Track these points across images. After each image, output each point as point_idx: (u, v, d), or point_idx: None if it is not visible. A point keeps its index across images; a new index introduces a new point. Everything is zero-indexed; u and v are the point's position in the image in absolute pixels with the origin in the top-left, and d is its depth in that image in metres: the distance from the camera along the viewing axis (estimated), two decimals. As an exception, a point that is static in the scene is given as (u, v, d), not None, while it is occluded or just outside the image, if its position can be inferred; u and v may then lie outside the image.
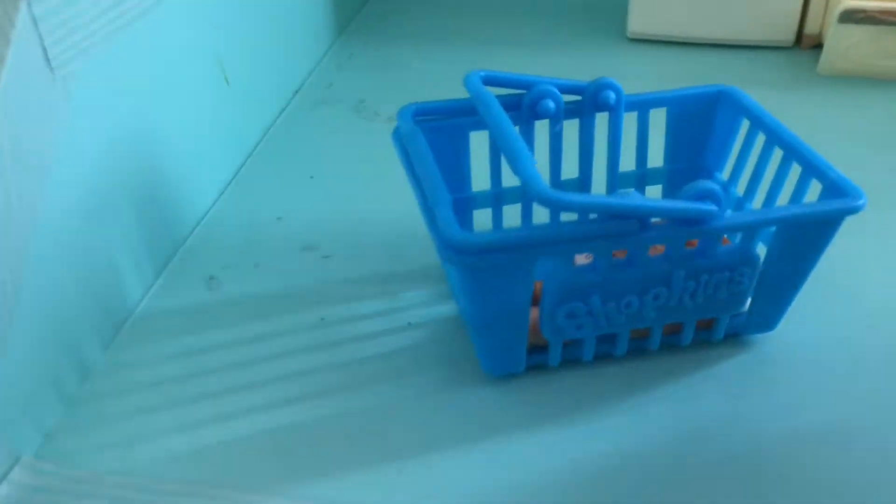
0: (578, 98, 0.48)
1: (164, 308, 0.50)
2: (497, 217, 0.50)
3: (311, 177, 0.63)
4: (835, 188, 0.41)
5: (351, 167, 0.64)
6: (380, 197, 0.60)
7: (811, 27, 0.82)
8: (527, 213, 0.50)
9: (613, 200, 0.38)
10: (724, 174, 0.51)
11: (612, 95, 0.48)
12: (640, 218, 0.38)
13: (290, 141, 0.69)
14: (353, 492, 0.39)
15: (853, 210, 0.40)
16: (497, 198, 0.50)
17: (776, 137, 0.46)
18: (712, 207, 0.38)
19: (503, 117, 0.41)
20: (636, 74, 0.81)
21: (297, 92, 0.76)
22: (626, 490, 0.39)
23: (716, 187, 0.38)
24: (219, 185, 0.61)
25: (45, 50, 0.40)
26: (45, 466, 0.40)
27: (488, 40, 0.88)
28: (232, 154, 0.64)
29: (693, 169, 0.51)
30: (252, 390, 0.44)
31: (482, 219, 0.50)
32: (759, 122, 0.47)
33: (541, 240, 0.38)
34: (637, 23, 0.85)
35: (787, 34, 0.83)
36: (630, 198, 0.38)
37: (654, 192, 0.53)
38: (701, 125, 0.50)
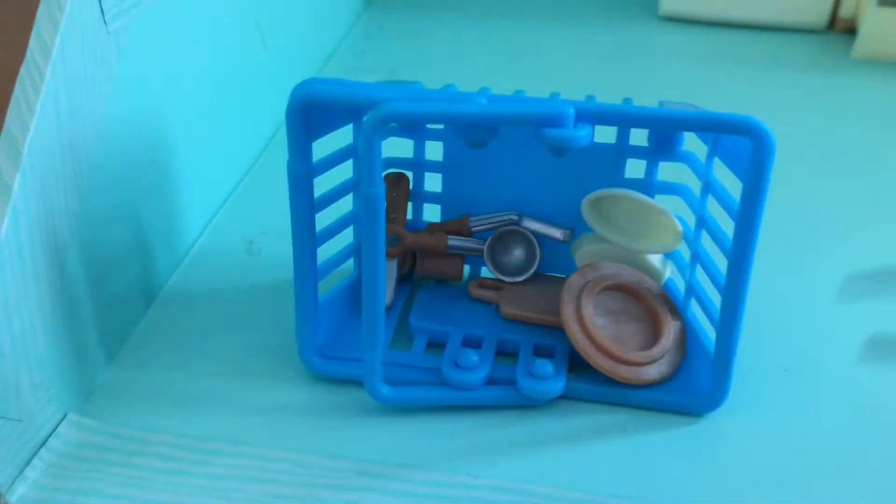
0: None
1: (205, 268, 0.50)
2: None
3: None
4: None
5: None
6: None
7: (845, 10, 0.82)
8: None
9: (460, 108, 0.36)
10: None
11: None
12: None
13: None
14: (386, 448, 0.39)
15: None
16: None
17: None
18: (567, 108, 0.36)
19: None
20: (668, 54, 0.81)
21: (328, 60, 0.76)
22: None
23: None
24: (257, 148, 0.61)
25: (100, 2, 0.40)
26: (92, 423, 0.40)
27: (518, 15, 0.87)
28: (269, 118, 0.63)
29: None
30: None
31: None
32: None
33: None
34: (670, 2, 0.85)
35: (820, 17, 0.82)
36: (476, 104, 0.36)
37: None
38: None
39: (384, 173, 0.48)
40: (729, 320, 0.39)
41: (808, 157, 0.63)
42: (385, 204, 0.37)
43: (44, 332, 0.37)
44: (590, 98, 0.42)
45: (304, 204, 0.39)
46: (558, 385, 0.40)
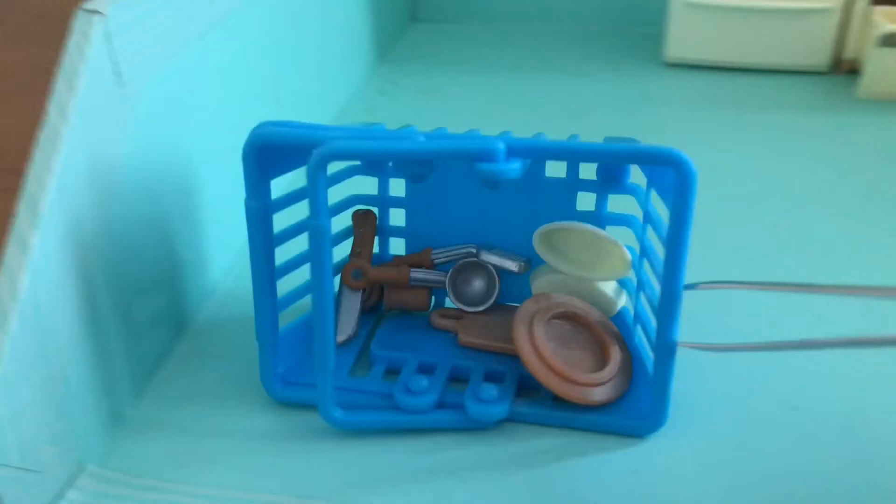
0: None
1: (217, 326, 0.52)
2: None
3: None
4: None
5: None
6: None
7: (848, 51, 0.83)
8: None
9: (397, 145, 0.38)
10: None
11: None
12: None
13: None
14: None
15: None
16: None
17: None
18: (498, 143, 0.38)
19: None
20: (674, 99, 0.82)
21: (340, 116, 0.78)
22: None
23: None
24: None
25: (117, 66, 0.42)
26: (110, 475, 0.41)
27: (528, 67, 0.89)
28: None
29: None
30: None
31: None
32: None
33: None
34: (675, 48, 0.87)
35: (824, 58, 0.83)
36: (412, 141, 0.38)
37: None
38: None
39: (353, 210, 0.50)
40: (663, 345, 0.40)
41: (819, 196, 0.63)
42: (330, 235, 0.40)
43: (63, 386, 0.38)
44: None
45: (261, 238, 0.42)
46: (503, 408, 0.42)
